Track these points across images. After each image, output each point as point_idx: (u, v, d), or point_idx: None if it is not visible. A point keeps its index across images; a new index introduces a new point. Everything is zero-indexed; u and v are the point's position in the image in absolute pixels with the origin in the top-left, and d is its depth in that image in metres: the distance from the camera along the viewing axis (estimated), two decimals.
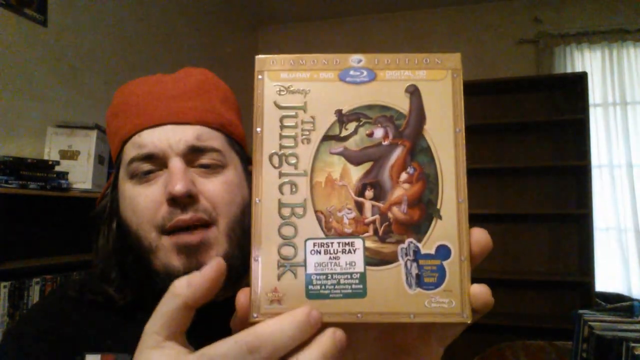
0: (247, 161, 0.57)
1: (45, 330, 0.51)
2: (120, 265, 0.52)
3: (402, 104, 0.26)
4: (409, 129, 0.26)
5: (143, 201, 0.49)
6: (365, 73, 0.27)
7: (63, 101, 1.77)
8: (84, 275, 0.57)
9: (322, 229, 0.25)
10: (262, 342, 0.21)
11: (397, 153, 0.26)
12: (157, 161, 0.50)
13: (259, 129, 0.26)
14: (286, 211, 0.25)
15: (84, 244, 1.90)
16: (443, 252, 0.25)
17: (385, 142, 0.26)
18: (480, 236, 0.25)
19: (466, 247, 0.25)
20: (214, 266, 0.24)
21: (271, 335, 0.21)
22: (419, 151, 0.26)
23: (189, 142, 0.50)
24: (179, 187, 0.46)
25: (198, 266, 0.44)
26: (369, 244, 0.25)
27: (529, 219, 2.97)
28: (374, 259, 0.25)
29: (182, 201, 0.47)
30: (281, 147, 0.25)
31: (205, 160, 0.50)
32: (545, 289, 2.90)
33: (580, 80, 2.73)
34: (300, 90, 0.26)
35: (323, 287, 0.24)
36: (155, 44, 2.40)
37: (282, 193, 0.25)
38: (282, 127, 0.26)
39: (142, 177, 0.50)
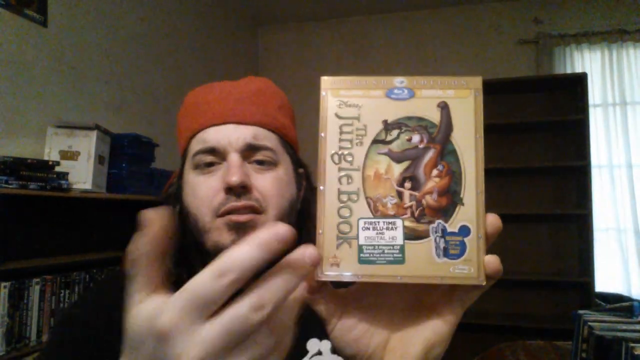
0: (297, 163, 0.64)
1: (95, 327, 0.54)
2: (180, 245, 0.58)
3: (435, 116, 0.34)
4: (440, 135, 0.33)
5: (204, 188, 0.56)
6: (406, 91, 0.35)
7: (63, 101, 1.77)
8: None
9: (371, 211, 0.32)
10: (230, 266, 0.23)
11: (430, 154, 0.33)
12: (218, 155, 0.57)
13: (323, 134, 0.33)
14: (344, 197, 0.32)
15: (84, 244, 1.90)
16: (464, 230, 0.32)
17: (421, 146, 0.33)
18: (493, 220, 0.32)
19: (482, 228, 0.32)
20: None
21: (238, 258, 0.23)
22: (447, 153, 0.33)
23: (247, 140, 0.57)
24: (235, 178, 0.53)
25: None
26: (407, 223, 0.32)
27: (529, 219, 2.97)
28: (411, 235, 0.31)
29: (236, 190, 0.53)
30: (340, 148, 0.33)
31: (259, 156, 0.57)
32: (545, 289, 2.90)
33: (580, 81, 2.73)
34: (355, 104, 0.34)
35: (371, 255, 0.31)
36: (155, 44, 2.40)
37: (340, 183, 0.32)
38: (341, 132, 0.33)
39: (204, 168, 0.57)
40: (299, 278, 0.25)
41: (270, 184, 0.56)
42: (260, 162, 0.57)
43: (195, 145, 0.58)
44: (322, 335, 0.59)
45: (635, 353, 0.71)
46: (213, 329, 0.22)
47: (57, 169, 1.48)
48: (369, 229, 0.31)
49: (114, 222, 1.75)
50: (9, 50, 1.55)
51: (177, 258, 0.57)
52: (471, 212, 0.32)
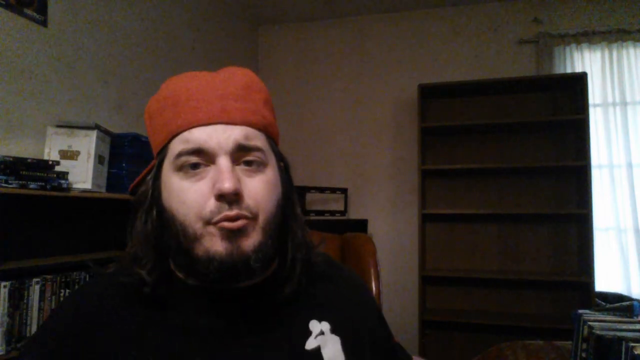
0: (279, 157, 0.62)
1: (74, 334, 0.53)
2: (157, 250, 0.56)
3: None
4: None
5: (192, 194, 0.53)
6: None
7: (63, 101, 1.77)
8: (114, 267, 0.62)
9: None
10: None
11: None
12: (206, 157, 0.53)
13: None
14: None
15: (84, 244, 1.90)
16: None
17: None
18: None
19: None
20: None
21: None
22: None
23: (237, 141, 0.54)
24: (228, 186, 0.50)
25: (238, 250, 0.51)
26: None
27: (529, 219, 2.97)
28: None
29: (229, 198, 0.51)
30: None
31: (249, 157, 0.55)
32: (545, 289, 2.90)
33: (580, 81, 2.73)
34: None
35: None
36: (155, 44, 2.40)
37: None
38: None
39: (189, 171, 0.53)
40: None
41: (261, 189, 0.54)
42: (248, 163, 0.55)
43: (179, 144, 0.54)
44: (320, 317, 0.61)
45: (636, 353, 0.71)
46: None
47: (57, 168, 1.48)
48: None
49: (114, 222, 1.75)
50: (9, 50, 1.55)
51: (155, 261, 0.56)
52: None
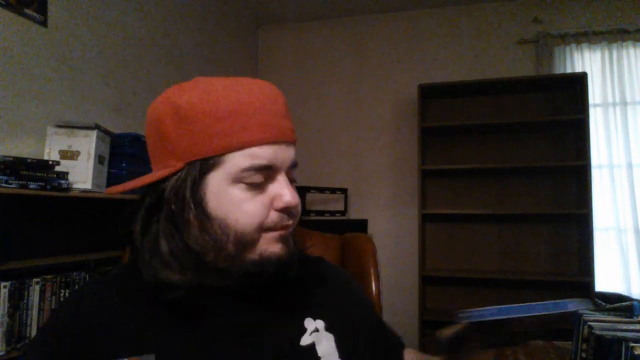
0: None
1: (73, 334, 0.54)
2: (194, 256, 0.57)
3: None
4: None
5: (254, 205, 0.56)
6: None
7: (63, 101, 1.77)
8: (118, 269, 0.63)
9: None
10: None
11: None
12: (268, 173, 0.58)
13: None
14: None
15: (84, 244, 1.90)
16: None
17: None
18: None
19: None
20: None
21: None
22: None
23: (293, 160, 0.60)
24: (294, 201, 0.58)
25: (290, 250, 0.59)
26: None
27: (529, 219, 2.97)
28: None
29: (291, 210, 0.59)
30: None
31: (294, 173, 0.62)
32: (545, 289, 2.90)
33: (580, 80, 2.73)
34: None
35: None
36: (155, 44, 2.40)
37: None
38: None
39: (254, 185, 0.57)
40: None
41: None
42: (293, 180, 0.62)
43: (245, 159, 0.55)
44: (314, 314, 0.63)
45: (635, 353, 0.71)
46: None
47: (57, 168, 1.48)
48: None
49: (114, 222, 1.75)
50: (9, 50, 1.55)
51: (189, 266, 0.57)
52: None
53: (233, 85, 0.58)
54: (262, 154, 0.56)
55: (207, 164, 0.56)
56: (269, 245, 0.57)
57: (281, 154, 0.58)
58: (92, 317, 0.55)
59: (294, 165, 0.61)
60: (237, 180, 0.56)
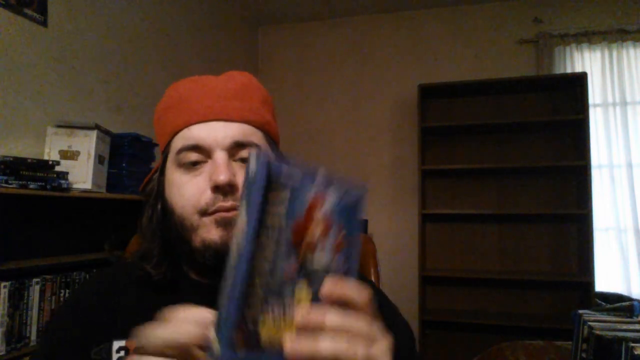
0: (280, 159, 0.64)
1: (81, 316, 0.60)
2: (162, 242, 0.60)
3: None
4: None
5: (190, 188, 0.56)
6: None
7: (63, 101, 1.77)
8: (131, 257, 0.67)
9: None
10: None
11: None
12: (204, 152, 0.56)
13: None
14: None
15: (84, 244, 1.90)
16: None
17: None
18: None
19: None
20: None
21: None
22: None
23: (234, 137, 0.56)
24: (222, 177, 0.53)
25: (230, 239, 0.52)
26: None
27: (529, 219, 2.97)
28: None
29: (224, 189, 0.54)
30: None
31: (245, 153, 0.57)
32: (545, 289, 2.90)
33: (580, 81, 2.73)
34: None
35: None
36: (155, 44, 2.40)
37: None
38: None
39: (189, 167, 0.56)
40: None
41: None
42: (245, 160, 0.56)
43: (179, 141, 0.58)
44: None
45: (635, 353, 0.71)
46: None
47: (57, 168, 1.48)
48: None
49: (114, 222, 1.75)
50: (9, 50, 1.55)
51: (161, 255, 0.60)
52: None
53: (189, 79, 0.62)
54: (190, 134, 0.57)
55: (164, 154, 0.61)
56: (208, 231, 0.54)
57: (214, 132, 0.56)
58: (106, 291, 0.61)
59: (240, 145, 0.57)
60: (178, 164, 0.57)
